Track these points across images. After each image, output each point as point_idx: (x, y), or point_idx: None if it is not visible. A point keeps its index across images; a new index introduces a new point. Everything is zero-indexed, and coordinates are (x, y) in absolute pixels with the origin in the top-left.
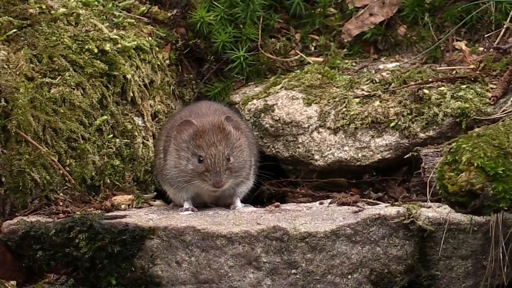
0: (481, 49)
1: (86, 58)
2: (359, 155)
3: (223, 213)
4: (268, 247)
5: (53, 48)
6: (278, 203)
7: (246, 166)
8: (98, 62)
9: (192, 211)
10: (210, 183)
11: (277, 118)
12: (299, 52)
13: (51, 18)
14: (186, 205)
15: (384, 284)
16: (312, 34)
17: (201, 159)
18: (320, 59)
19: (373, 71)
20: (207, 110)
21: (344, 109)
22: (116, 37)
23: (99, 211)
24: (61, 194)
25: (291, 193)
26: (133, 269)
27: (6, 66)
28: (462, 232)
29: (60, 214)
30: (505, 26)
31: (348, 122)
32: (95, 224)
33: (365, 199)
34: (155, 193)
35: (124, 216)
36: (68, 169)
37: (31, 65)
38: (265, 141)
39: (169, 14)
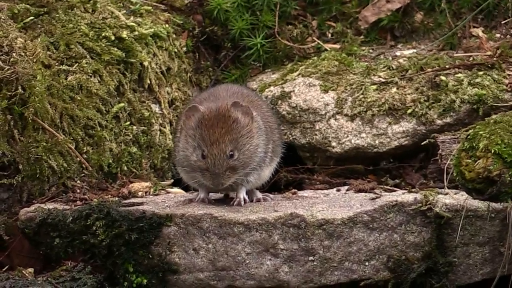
0: (498, 35)
1: (103, 45)
2: (376, 142)
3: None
4: (286, 234)
5: (70, 35)
6: (296, 190)
7: (255, 155)
8: (115, 49)
9: (203, 201)
10: (210, 182)
11: (294, 105)
12: (316, 39)
13: (68, 5)
14: (201, 193)
15: (402, 271)
16: (329, 21)
17: (204, 155)
18: (337, 46)
19: (390, 58)
20: (225, 93)
21: (361, 96)
22: (133, 24)
23: (116, 199)
24: (78, 181)
25: (308, 180)
26: (150, 257)
27: (23, 54)
28: (479, 218)
29: (77, 202)
30: None
31: (365, 109)
32: (112, 212)
33: (382, 186)
34: (172, 180)
35: (141, 203)
36: (85, 156)
37: (48, 53)
38: (282, 128)
39: (186, 1)
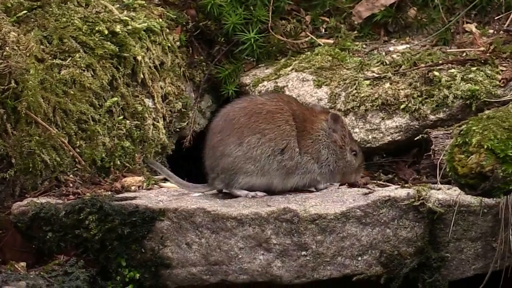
0: (491, 31)
1: (97, 39)
2: (369, 137)
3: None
4: (278, 229)
5: (63, 29)
6: None
7: None
8: (109, 43)
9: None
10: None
11: None
12: (309, 34)
13: None
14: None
15: (394, 265)
16: (323, 16)
17: (355, 153)
18: (331, 41)
19: (383, 53)
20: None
21: (355, 91)
22: (127, 18)
23: (109, 193)
24: (71, 175)
25: None
26: (143, 251)
27: (16, 48)
28: (472, 214)
29: (70, 196)
30: None
31: (358, 104)
32: (105, 206)
33: (375, 181)
34: None
35: (134, 198)
36: (78, 150)
37: (41, 47)
38: None
39: None
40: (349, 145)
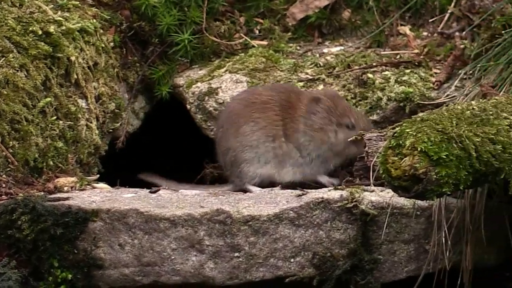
0: (425, 34)
1: (30, 39)
2: None
3: (166, 196)
4: (211, 230)
5: None
6: None
7: None
8: (42, 44)
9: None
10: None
11: (221, 101)
12: (243, 36)
13: None
14: (335, 180)
15: (327, 267)
16: (257, 18)
17: (350, 125)
18: (265, 42)
19: (317, 55)
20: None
21: None
22: (61, 19)
23: (42, 193)
24: (3, 176)
25: None
26: (76, 251)
27: None
28: (405, 216)
29: (2, 196)
30: (449, 11)
31: None
32: (38, 206)
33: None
34: (98, 175)
35: (67, 198)
36: (11, 150)
37: None
38: (209, 124)
39: None
40: (334, 122)
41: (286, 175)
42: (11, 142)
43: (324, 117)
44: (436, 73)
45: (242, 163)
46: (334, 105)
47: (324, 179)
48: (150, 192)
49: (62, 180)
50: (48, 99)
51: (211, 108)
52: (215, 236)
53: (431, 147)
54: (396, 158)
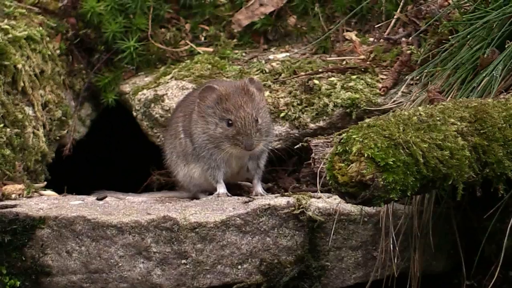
0: (371, 39)
1: None
2: None
3: (113, 203)
4: (158, 237)
5: None
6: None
7: (271, 129)
8: None
9: (223, 195)
10: (242, 146)
11: (167, 108)
12: (189, 42)
13: None
14: (221, 189)
15: (274, 274)
16: (202, 24)
17: (230, 122)
18: (210, 49)
19: (263, 62)
20: (222, 82)
21: None
22: (7, 27)
23: None
24: None
25: None
26: (24, 259)
27: None
28: (352, 222)
29: None
30: (395, 17)
31: None
32: None
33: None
34: (46, 182)
35: (14, 206)
36: None
37: None
38: (155, 131)
39: (59, 4)
40: (218, 115)
41: (196, 171)
42: None
43: (211, 107)
44: (382, 79)
45: (171, 164)
46: (226, 99)
47: (221, 188)
48: (97, 199)
49: (10, 188)
50: None
51: (157, 115)
52: (162, 243)
53: (378, 153)
54: (342, 165)
